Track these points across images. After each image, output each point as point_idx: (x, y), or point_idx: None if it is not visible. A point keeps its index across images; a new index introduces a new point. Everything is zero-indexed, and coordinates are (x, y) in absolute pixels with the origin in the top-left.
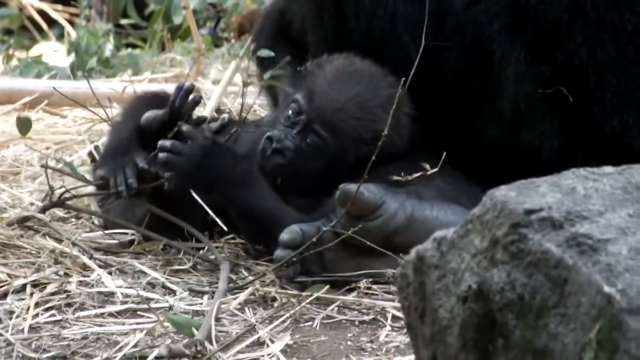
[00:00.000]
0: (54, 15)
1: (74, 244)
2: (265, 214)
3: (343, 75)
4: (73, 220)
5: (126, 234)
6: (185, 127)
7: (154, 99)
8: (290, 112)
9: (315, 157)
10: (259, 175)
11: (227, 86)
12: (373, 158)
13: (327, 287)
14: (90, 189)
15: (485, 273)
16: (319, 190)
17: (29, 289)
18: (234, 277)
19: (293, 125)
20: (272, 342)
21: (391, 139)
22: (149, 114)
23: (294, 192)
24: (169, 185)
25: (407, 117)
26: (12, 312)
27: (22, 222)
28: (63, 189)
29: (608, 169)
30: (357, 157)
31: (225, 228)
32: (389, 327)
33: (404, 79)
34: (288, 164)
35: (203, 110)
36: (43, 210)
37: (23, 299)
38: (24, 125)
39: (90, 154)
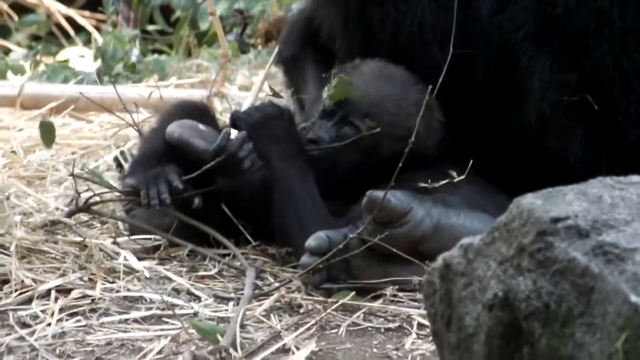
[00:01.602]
0: (81, 21)
1: (99, 250)
2: (302, 206)
3: (379, 74)
4: (98, 225)
5: (150, 239)
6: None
7: (190, 110)
8: (325, 104)
9: (349, 150)
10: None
11: (257, 95)
12: (404, 159)
13: (353, 294)
14: (116, 195)
15: (511, 281)
16: (351, 187)
17: (53, 294)
18: (259, 283)
19: (328, 118)
20: (298, 349)
21: (422, 143)
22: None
23: (326, 191)
24: (198, 203)
25: (438, 123)
26: (36, 317)
27: (46, 227)
28: (89, 194)
29: (635, 178)
30: (390, 154)
31: (249, 237)
32: (414, 335)
33: (431, 86)
34: (322, 155)
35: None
36: (69, 214)
37: (47, 304)
38: (47, 134)
39: (115, 159)
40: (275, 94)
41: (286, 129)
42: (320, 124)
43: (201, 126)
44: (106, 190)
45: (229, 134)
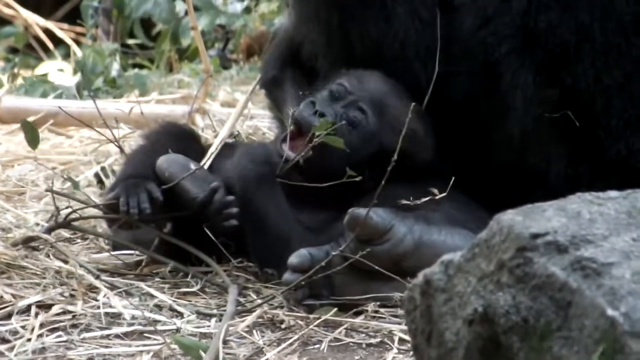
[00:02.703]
0: (60, 34)
1: (80, 265)
2: (276, 230)
3: (384, 79)
4: (79, 241)
5: (132, 255)
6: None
7: (176, 134)
8: (333, 90)
9: (352, 132)
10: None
11: (240, 114)
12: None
13: (335, 310)
14: (96, 210)
15: (491, 296)
16: (344, 175)
17: (33, 310)
18: (242, 300)
19: (336, 101)
20: None
21: (417, 149)
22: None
23: (319, 178)
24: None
25: (432, 139)
26: (16, 333)
27: (27, 242)
28: (69, 210)
29: (613, 193)
30: (389, 147)
31: (230, 257)
32: (395, 350)
33: (414, 104)
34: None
35: (215, 135)
36: (49, 230)
37: (27, 320)
38: (31, 135)
39: (96, 175)
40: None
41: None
42: (327, 102)
43: (192, 165)
44: (86, 205)
45: (216, 189)
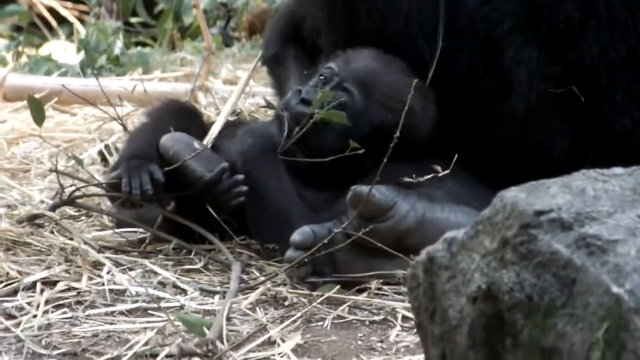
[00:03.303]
0: (64, 12)
1: (84, 242)
2: (277, 205)
3: (377, 56)
4: (83, 218)
5: (136, 232)
6: None
7: (179, 111)
8: (322, 76)
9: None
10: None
11: (242, 92)
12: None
13: (338, 287)
14: (100, 189)
15: (494, 274)
16: (339, 157)
17: (39, 286)
18: (245, 277)
19: (324, 86)
20: (283, 341)
21: (415, 124)
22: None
23: (313, 162)
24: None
25: (433, 113)
26: (22, 309)
27: (32, 219)
28: (73, 187)
29: (617, 170)
30: (380, 122)
31: (233, 235)
32: (399, 327)
33: (415, 80)
34: (311, 114)
35: (217, 112)
36: (53, 208)
37: (33, 296)
38: (37, 111)
39: (100, 152)
40: (270, 106)
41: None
42: (314, 88)
43: (196, 144)
44: (89, 183)
45: (225, 169)
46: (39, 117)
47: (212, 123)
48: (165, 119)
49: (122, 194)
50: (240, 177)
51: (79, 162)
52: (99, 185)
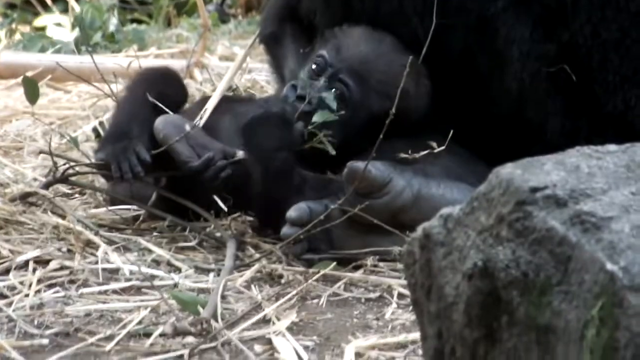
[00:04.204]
0: None
1: (77, 220)
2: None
3: (369, 36)
4: (77, 196)
5: (129, 209)
6: None
7: (158, 78)
8: (314, 65)
9: (339, 107)
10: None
11: (239, 68)
12: (390, 119)
13: (334, 264)
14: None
15: (490, 250)
16: (340, 146)
17: (31, 265)
18: (240, 254)
19: (318, 77)
20: (278, 319)
21: (411, 104)
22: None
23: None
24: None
25: (426, 89)
26: (14, 288)
27: (25, 198)
28: (67, 165)
29: (612, 147)
30: (379, 111)
31: (225, 209)
32: (395, 305)
33: (412, 56)
34: (312, 112)
35: (213, 89)
36: (46, 186)
37: (25, 275)
38: (31, 90)
39: (94, 129)
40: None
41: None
42: (309, 82)
43: (187, 126)
44: (80, 163)
45: (210, 158)
46: (33, 96)
47: (208, 98)
48: (143, 89)
49: (113, 175)
50: (224, 162)
51: (75, 142)
52: (89, 165)
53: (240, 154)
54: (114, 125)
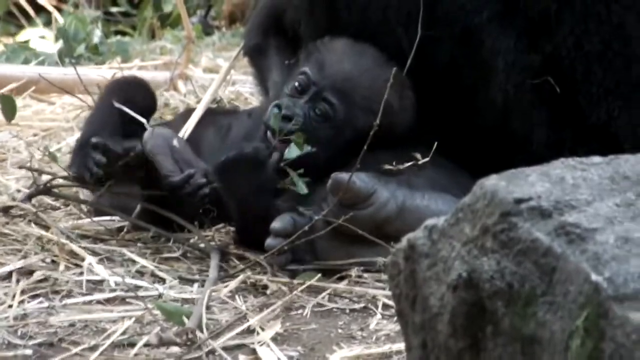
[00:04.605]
0: (42, 1)
1: (61, 232)
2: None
3: (351, 51)
4: (62, 207)
5: (114, 221)
6: None
7: (126, 88)
8: (297, 83)
9: (324, 126)
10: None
11: (223, 80)
12: (373, 132)
13: (319, 275)
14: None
15: (475, 261)
16: (325, 163)
17: (15, 276)
18: (224, 265)
19: (301, 95)
20: (263, 329)
21: (395, 118)
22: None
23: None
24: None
25: (410, 101)
26: None
27: (7, 210)
28: (49, 177)
29: (596, 159)
30: (364, 128)
31: (207, 222)
32: (379, 315)
33: (395, 68)
34: (297, 131)
35: (197, 101)
36: (28, 197)
37: (9, 286)
38: (9, 108)
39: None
40: None
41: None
42: (292, 101)
43: (175, 142)
44: (56, 176)
45: (191, 175)
46: (10, 113)
47: (193, 110)
48: (111, 99)
49: (87, 185)
50: (203, 180)
51: (53, 156)
52: (67, 178)
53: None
54: (82, 137)
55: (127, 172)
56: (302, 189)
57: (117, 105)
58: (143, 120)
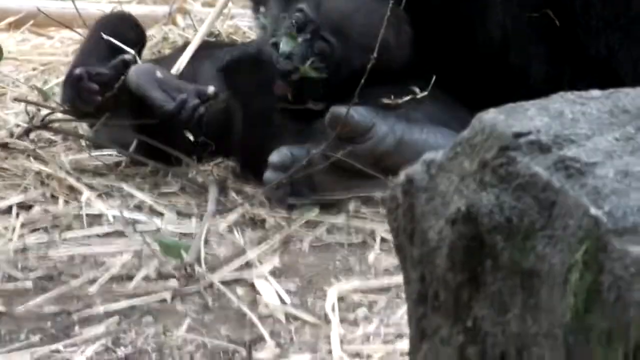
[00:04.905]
0: None
1: (59, 167)
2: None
3: None
4: (61, 141)
5: (112, 155)
6: None
7: (113, 22)
8: (294, 21)
9: (322, 64)
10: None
11: (220, 13)
12: (370, 68)
13: (318, 211)
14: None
15: (474, 196)
16: (322, 101)
17: (14, 210)
18: (222, 199)
19: (298, 32)
20: (261, 263)
21: (391, 53)
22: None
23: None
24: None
25: (407, 36)
26: None
27: (6, 145)
28: (47, 112)
29: (595, 92)
30: (361, 65)
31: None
32: (377, 249)
33: (392, 3)
34: (295, 70)
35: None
36: (26, 132)
37: (9, 220)
38: None
39: None
40: None
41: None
42: (289, 40)
43: (159, 73)
44: (54, 110)
45: (184, 100)
46: None
47: (187, 44)
48: (98, 33)
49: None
50: (197, 101)
51: (45, 94)
52: (63, 112)
53: (211, 89)
54: (70, 69)
55: (119, 99)
56: (322, 75)
57: (105, 37)
58: (130, 50)
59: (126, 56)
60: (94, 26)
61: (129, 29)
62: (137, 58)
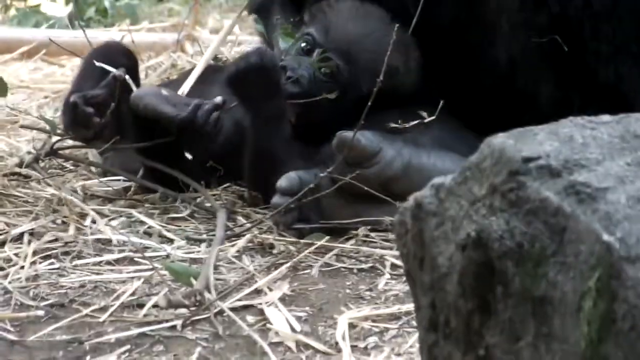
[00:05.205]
0: None
1: (70, 193)
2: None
3: (356, 12)
4: (71, 168)
5: (119, 180)
6: None
7: (105, 51)
8: (303, 44)
9: (329, 87)
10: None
11: (225, 37)
12: (376, 93)
13: (328, 238)
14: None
15: (484, 221)
16: (329, 126)
17: (26, 238)
18: (231, 224)
19: (307, 55)
20: (271, 290)
21: (400, 79)
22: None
23: (303, 131)
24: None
25: (416, 62)
26: (10, 260)
27: (15, 173)
28: (56, 139)
29: (606, 117)
30: (369, 90)
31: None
32: (387, 275)
33: (400, 28)
34: (302, 93)
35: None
36: (36, 159)
37: (20, 248)
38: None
39: None
40: None
41: (266, 79)
42: (297, 60)
43: (164, 91)
44: (63, 137)
45: (198, 105)
46: (1, 91)
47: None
48: (91, 60)
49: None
50: (219, 99)
51: (52, 124)
52: (72, 138)
53: (219, 99)
54: (66, 98)
55: (122, 123)
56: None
57: (96, 64)
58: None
59: (115, 72)
60: (86, 57)
61: (120, 55)
62: (128, 77)
